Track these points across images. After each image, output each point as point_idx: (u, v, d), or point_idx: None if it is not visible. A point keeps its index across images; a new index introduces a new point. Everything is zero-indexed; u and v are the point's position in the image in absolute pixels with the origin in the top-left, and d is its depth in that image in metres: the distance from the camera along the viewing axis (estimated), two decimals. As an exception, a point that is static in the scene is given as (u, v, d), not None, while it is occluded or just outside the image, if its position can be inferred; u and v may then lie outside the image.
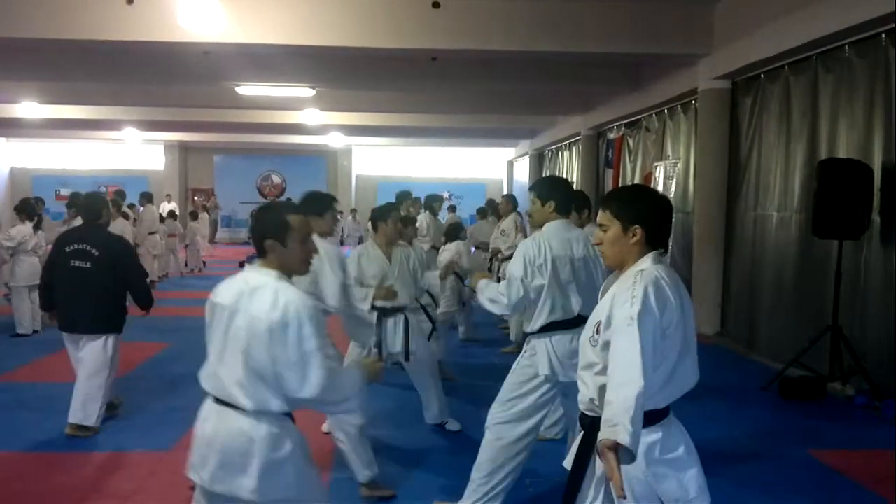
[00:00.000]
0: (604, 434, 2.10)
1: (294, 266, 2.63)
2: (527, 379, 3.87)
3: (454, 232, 8.69)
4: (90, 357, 5.28)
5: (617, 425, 2.08)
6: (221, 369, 2.54)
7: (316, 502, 2.70)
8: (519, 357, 4.00)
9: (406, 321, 5.18)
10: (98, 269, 5.15)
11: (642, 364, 2.16)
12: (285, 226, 2.58)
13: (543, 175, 20.27)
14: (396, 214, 5.36)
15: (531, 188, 4.11)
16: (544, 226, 3.92)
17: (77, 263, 5.16)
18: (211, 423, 2.57)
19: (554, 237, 3.85)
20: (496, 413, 3.89)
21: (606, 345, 2.32)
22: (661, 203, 2.52)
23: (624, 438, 2.06)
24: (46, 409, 5.88)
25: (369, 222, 5.75)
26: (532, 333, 3.90)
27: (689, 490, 2.37)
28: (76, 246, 5.19)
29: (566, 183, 4.36)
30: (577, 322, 3.86)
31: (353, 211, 23.67)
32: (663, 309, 2.28)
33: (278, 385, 2.48)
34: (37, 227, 9.12)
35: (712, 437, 5.12)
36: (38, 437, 5.27)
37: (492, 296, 3.83)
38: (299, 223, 2.61)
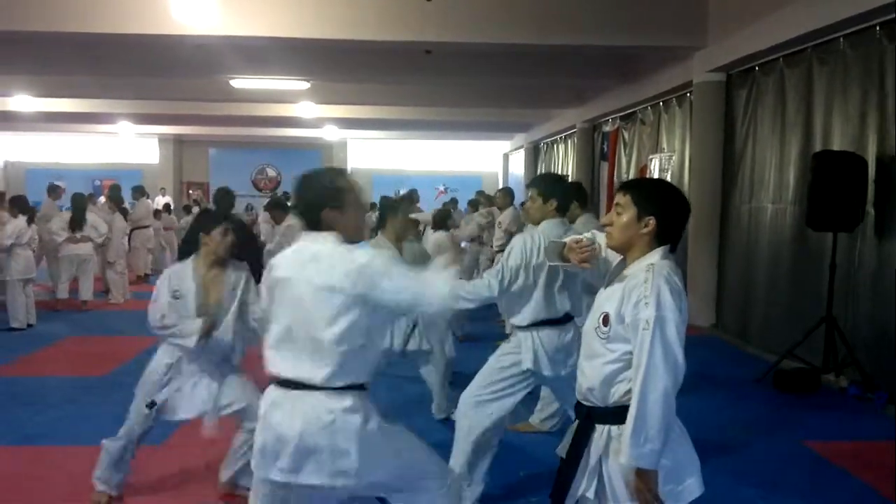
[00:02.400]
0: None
1: (353, 233, 2.52)
2: (506, 366, 3.88)
3: (442, 220, 8.27)
4: None
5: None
6: (292, 347, 2.44)
7: (427, 478, 2.58)
8: (502, 345, 4.00)
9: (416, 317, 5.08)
10: None
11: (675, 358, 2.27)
12: (341, 191, 2.48)
13: (539, 169, 20.27)
14: (406, 208, 5.29)
15: (532, 184, 4.08)
16: (541, 223, 3.91)
17: None
18: (284, 409, 2.44)
19: (552, 236, 3.84)
20: (471, 398, 3.88)
21: (617, 337, 2.35)
22: (680, 202, 2.52)
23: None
24: (39, 402, 5.88)
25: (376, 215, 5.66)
26: (519, 327, 3.90)
27: (679, 479, 2.39)
28: None
29: (567, 182, 4.36)
30: (565, 319, 3.89)
31: None
32: (679, 300, 2.31)
33: (362, 352, 2.41)
34: (30, 221, 9.10)
35: (706, 428, 5.12)
36: (31, 430, 5.26)
37: (468, 293, 3.74)
38: (353, 185, 2.53)
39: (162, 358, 3.95)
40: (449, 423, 5.37)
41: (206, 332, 3.78)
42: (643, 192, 2.48)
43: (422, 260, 5.28)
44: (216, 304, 3.83)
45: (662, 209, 2.43)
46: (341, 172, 2.60)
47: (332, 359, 2.40)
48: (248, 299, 3.88)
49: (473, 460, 3.82)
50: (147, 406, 3.91)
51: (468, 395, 3.91)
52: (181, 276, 3.88)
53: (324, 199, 2.47)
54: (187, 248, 4.01)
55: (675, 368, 2.27)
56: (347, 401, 2.40)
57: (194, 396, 3.87)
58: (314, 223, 2.49)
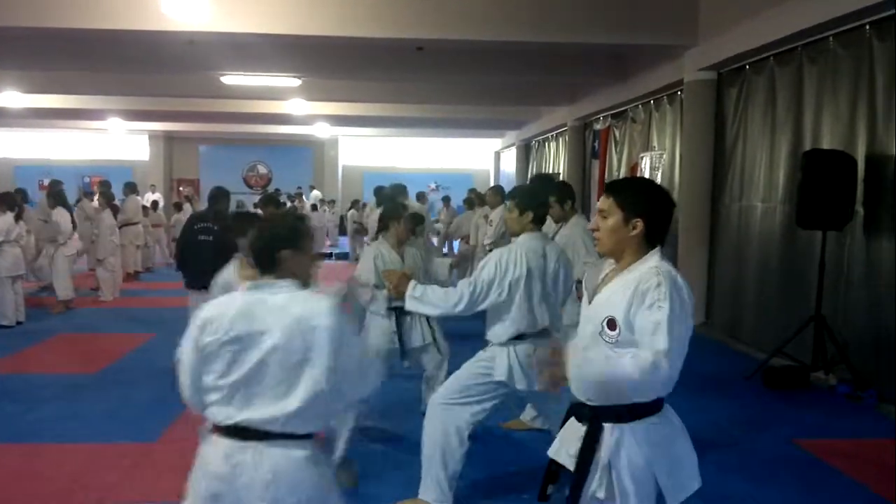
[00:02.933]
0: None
1: (307, 274, 2.49)
2: (480, 374, 3.87)
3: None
4: None
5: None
6: (265, 399, 2.30)
7: None
8: (480, 351, 3.98)
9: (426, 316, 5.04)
10: (217, 240, 6.07)
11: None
12: (300, 233, 2.48)
13: (530, 167, 20.30)
14: (408, 214, 5.32)
15: (510, 195, 4.10)
16: (520, 236, 3.91)
17: (202, 237, 6.27)
18: (245, 459, 2.29)
19: (530, 250, 3.84)
20: (440, 401, 3.86)
21: (627, 342, 2.33)
22: (664, 199, 2.51)
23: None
24: (29, 400, 5.86)
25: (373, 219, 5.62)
26: (496, 343, 3.86)
27: (681, 473, 2.42)
28: (201, 224, 6.45)
29: (545, 192, 4.35)
30: (543, 335, 3.86)
31: (332, 202, 23.54)
32: (689, 302, 2.33)
33: (331, 399, 2.35)
34: (18, 218, 9.01)
35: (696, 425, 5.10)
36: (22, 427, 5.24)
37: (438, 299, 3.65)
38: (308, 229, 2.56)
39: None
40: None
41: None
42: (627, 194, 2.45)
43: (423, 263, 5.27)
44: None
45: (649, 210, 2.42)
46: (301, 218, 2.63)
47: (299, 407, 2.30)
48: None
49: (442, 464, 3.79)
50: None
51: (438, 398, 3.90)
52: (230, 283, 3.87)
53: (282, 238, 2.44)
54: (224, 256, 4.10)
55: (660, 376, 2.27)
56: (308, 448, 2.35)
57: None
58: (269, 263, 2.41)
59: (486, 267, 3.77)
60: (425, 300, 3.62)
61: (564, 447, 2.53)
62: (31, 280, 11.28)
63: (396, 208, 5.31)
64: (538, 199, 4.04)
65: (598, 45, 9.31)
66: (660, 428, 2.41)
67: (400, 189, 9.46)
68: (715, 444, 4.96)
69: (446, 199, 17.61)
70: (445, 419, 3.82)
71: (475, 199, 12.84)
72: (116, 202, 12.42)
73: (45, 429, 5.21)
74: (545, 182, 7.54)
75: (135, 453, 4.76)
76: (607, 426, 2.40)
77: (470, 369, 3.94)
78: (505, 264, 3.75)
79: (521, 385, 3.80)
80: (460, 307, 3.68)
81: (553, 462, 2.58)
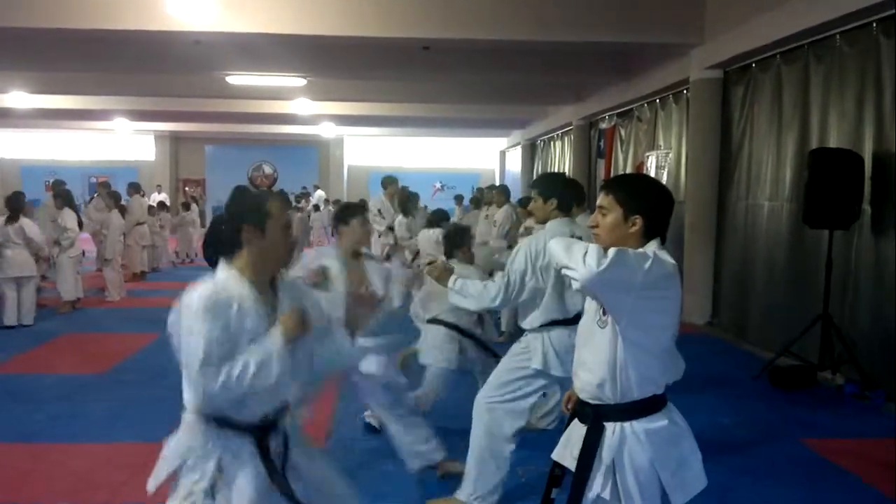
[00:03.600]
0: None
1: (277, 255, 2.46)
2: (518, 367, 3.88)
3: (437, 219, 8.38)
4: None
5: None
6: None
7: None
8: (514, 345, 4.00)
9: None
10: None
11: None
12: (265, 212, 2.40)
13: (536, 166, 20.29)
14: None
15: (532, 185, 4.15)
16: (547, 224, 3.92)
17: None
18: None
19: (558, 234, 3.83)
20: (484, 401, 3.88)
21: (614, 327, 2.33)
22: (664, 196, 2.50)
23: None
24: (36, 400, 5.87)
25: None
26: (530, 329, 3.88)
27: (687, 473, 2.41)
28: None
29: (567, 180, 4.37)
30: (577, 319, 3.87)
31: (337, 202, 23.56)
32: (661, 269, 2.28)
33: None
34: (12, 220, 8.93)
35: (702, 425, 5.10)
36: (29, 428, 5.25)
37: (474, 292, 3.75)
38: (280, 209, 2.44)
39: None
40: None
41: None
42: (626, 191, 2.45)
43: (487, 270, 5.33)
44: None
45: (648, 207, 2.41)
46: (275, 197, 2.52)
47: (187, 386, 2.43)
48: None
49: (487, 466, 3.81)
50: None
51: (481, 399, 3.91)
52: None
53: (246, 215, 2.40)
54: None
55: (584, 262, 2.19)
56: (199, 435, 2.45)
57: None
58: (236, 241, 2.42)
59: (517, 259, 3.80)
60: (465, 293, 3.71)
61: (568, 450, 2.52)
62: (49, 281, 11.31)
63: (459, 233, 5.36)
64: (559, 186, 4.05)
65: (604, 44, 9.31)
66: (664, 427, 2.40)
67: (390, 180, 9.51)
68: (721, 443, 4.95)
69: (458, 198, 17.60)
70: (490, 420, 3.84)
71: (481, 198, 12.84)
72: (123, 203, 12.45)
73: (51, 429, 5.22)
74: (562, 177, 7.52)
75: (141, 453, 4.73)
76: (608, 426, 2.40)
77: (507, 364, 3.95)
78: (535, 252, 3.77)
79: (556, 372, 3.79)
80: (497, 301, 3.76)
81: (557, 466, 2.57)
